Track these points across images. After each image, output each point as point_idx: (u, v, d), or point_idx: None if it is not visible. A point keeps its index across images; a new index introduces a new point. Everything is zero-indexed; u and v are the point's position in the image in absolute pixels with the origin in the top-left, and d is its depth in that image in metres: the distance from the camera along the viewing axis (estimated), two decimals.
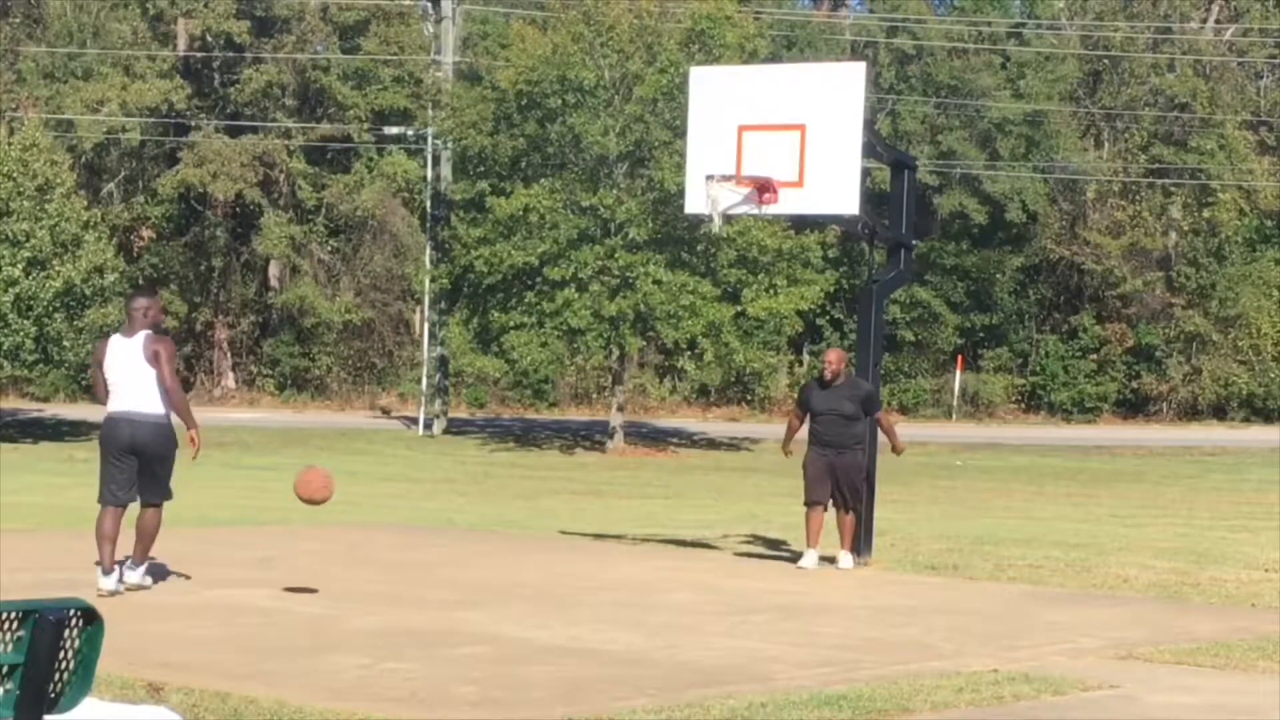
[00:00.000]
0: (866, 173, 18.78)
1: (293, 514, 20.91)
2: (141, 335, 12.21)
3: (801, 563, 15.13)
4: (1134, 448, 44.07)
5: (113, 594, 11.79)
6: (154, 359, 12.11)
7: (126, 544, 12.56)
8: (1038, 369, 55.81)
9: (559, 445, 42.24)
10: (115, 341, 12.31)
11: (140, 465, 12.18)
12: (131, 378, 12.07)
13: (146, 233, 52.68)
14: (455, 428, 45.52)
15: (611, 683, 9.10)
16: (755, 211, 15.46)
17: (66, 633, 4.97)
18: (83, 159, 48.49)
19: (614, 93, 39.72)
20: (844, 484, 15.11)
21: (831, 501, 15.18)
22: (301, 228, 52.38)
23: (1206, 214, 54.97)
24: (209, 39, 51.74)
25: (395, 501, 24.04)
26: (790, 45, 54.58)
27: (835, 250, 47.96)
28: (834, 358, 15.48)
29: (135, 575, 12.29)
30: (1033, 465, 37.25)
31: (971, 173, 53.76)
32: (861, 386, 15.34)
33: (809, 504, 15.27)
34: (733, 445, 43.40)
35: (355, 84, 51.92)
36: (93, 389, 12.56)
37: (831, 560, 15.16)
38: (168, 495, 12.55)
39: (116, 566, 11.98)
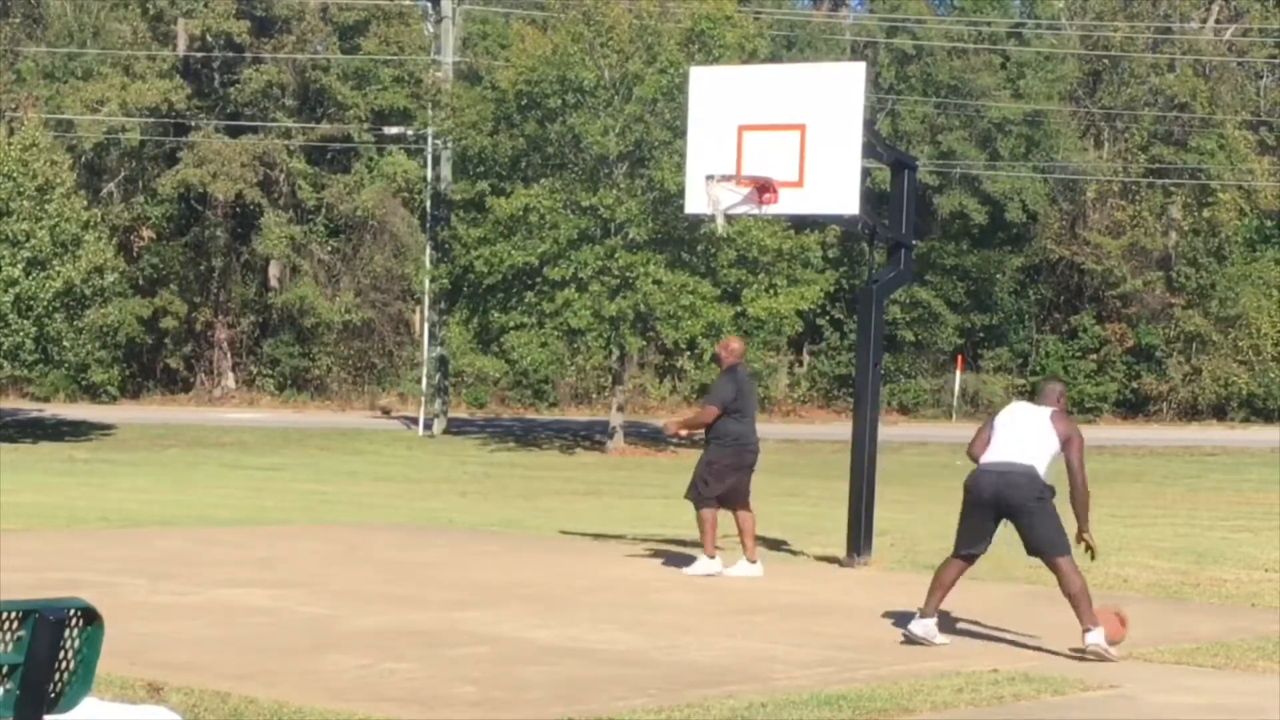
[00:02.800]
0: (866, 173, 18.78)
1: (293, 514, 20.93)
2: None
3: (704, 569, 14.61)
4: (1134, 448, 44.06)
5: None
6: None
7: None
8: (1038, 369, 55.78)
9: (559, 445, 42.24)
10: None
11: None
12: None
13: (146, 233, 52.67)
14: (455, 428, 45.52)
15: (611, 683, 9.10)
16: (755, 211, 15.45)
17: (66, 633, 4.97)
18: (83, 159, 48.48)
19: (614, 93, 39.72)
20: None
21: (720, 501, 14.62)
22: (301, 228, 52.38)
23: (1206, 214, 54.97)
24: (209, 39, 51.73)
25: (395, 501, 24.03)
26: (790, 45, 54.58)
27: (835, 250, 47.96)
28: (737, 347, 15.02)
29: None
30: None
31: (971, 173, 53.76)
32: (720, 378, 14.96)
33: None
34: None
35: (355, 84, 51.92)
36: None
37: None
38: None
39: None
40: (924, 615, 10.83)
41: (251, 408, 51.14)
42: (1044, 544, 10.70)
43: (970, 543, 10.86)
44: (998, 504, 10.68)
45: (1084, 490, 10.73)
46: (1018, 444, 10.73)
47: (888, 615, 12.06)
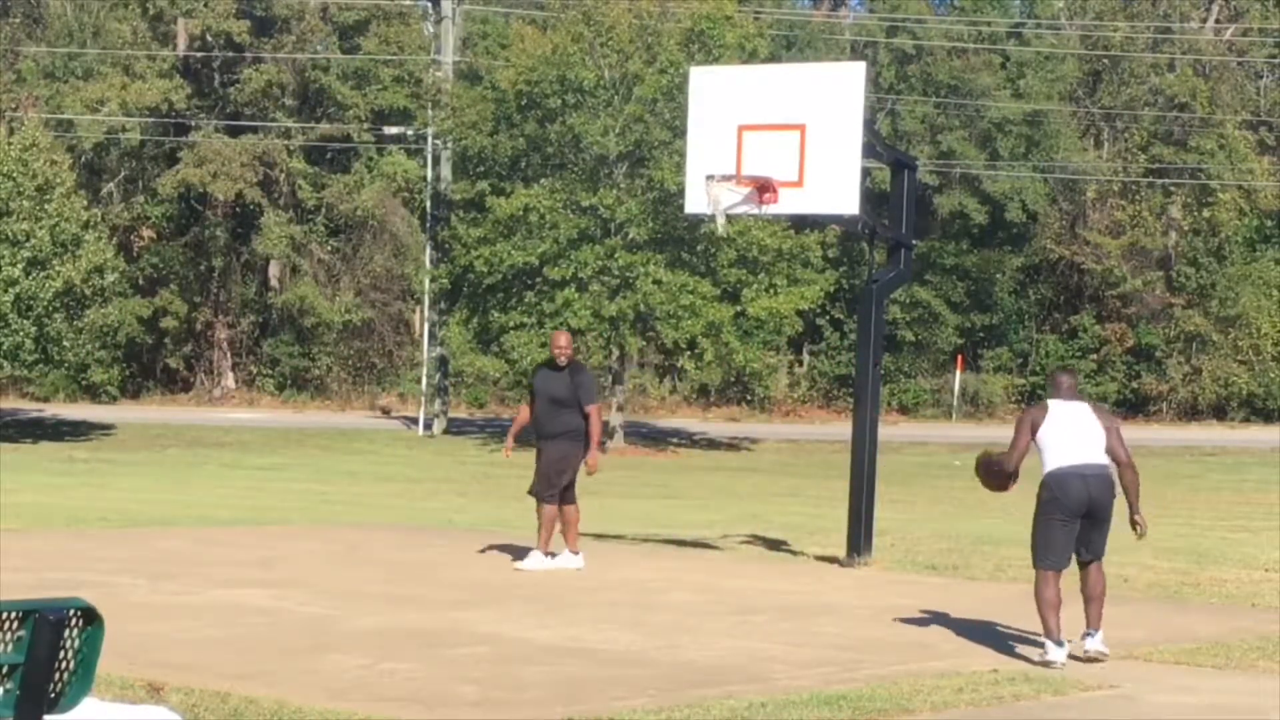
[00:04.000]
0: (866, 173, 18.79)
1: (293, 514, 20.93)
2: None
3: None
4: (1134, 448, 43.95)
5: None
6: None
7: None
8: (1038, 369, 55.77)
9: None
10: None
11: None
12: None
13: (146, 233, 52.67)
14: (455, 428, 45.51)
15: (611, 683, 9.10)
16: (755, 211, 15.46)
17: (66, 633, 4.97)
18: (83, 159, 48.47)
19: (614, 93, 39.72)
20: (541, 471, 14.45)
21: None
22: (301, 228, 52.37)
23: (1206, 214, 54.97)
24: (209, 39, 51.73)
25: (395, 501, 24.03)
26: (790, 45, 54.58)
27: (835, 250, 47.94)
28: (563, 340, 14.90)
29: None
30: (1033, 466, 37.19)
31: (971, 173, 53.76)
32: (582, 372, 14.94)
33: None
34: (733, 445, 43.40)
35: (355, 84, 51.92)
36: None
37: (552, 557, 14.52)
38: None
39: None
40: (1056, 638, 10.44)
41: (251, 408, 51.14)
42: (1104, 544, 10.71)
43: (1056, 550, 10.59)
44: (1091, 507, 10.54)
45: (1137, 473, 10.84)
46: (1092, 444, 10.62)
47: (888, 615, 12.06)
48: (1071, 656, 10.37)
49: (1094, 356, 55.36)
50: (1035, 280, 56.89)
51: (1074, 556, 10.62)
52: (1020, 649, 10.79)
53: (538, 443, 14.64)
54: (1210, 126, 55.20)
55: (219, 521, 19.16)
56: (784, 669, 9.69)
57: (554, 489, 14.40)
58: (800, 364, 56.08)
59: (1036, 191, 54.17)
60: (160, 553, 15.08)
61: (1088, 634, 10.52)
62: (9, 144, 37.77)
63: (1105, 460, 10.60)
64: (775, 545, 17.31)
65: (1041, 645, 10.41)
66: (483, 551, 15.90)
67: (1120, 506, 10.65)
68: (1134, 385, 55.53)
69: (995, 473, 10.95)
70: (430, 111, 46.48)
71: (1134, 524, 10.76)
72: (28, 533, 16.53)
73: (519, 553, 16.03)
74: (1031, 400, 55.32)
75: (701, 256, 39.10)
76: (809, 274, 41.03)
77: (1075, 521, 10.51)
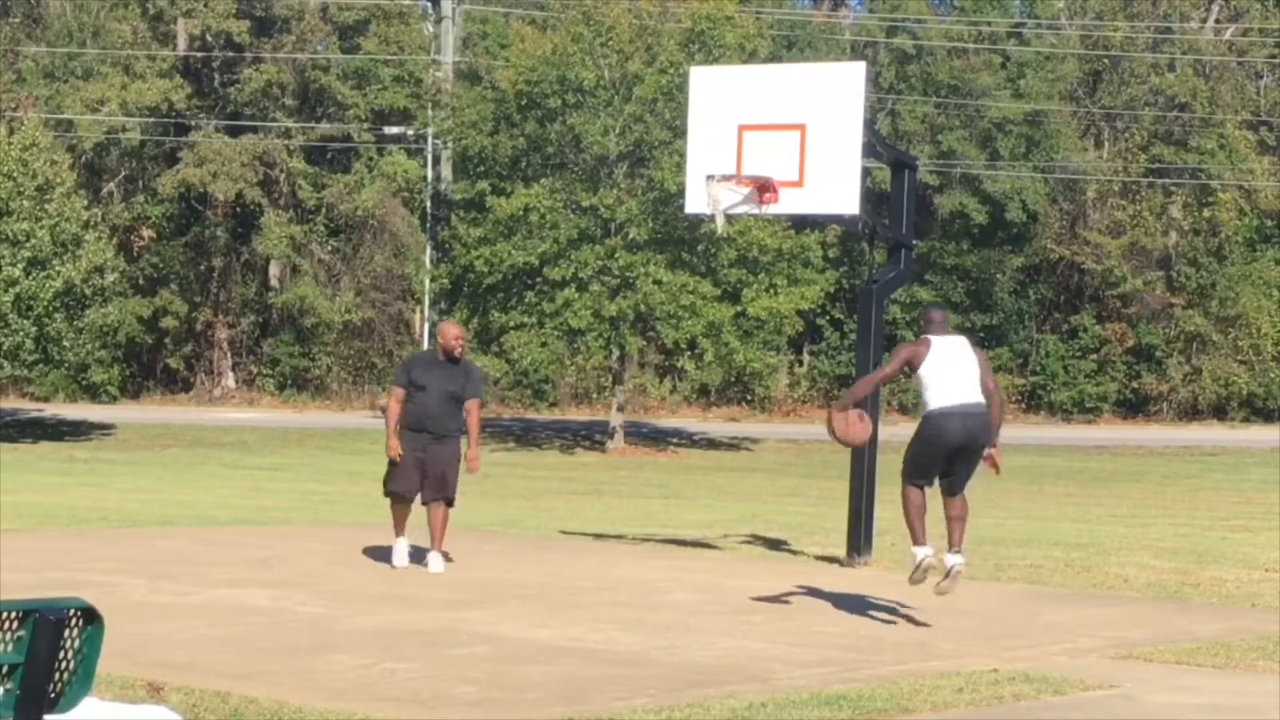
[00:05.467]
0: (866, 173, 18.79)
1: (293, 514, 20.93)
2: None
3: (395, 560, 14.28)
4: (1134, 448, 44.05)
5: None
6: None
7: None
8: (1038, 369, 55.79)
9: (559, 445, 42.24)
10: None
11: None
12: None
13: (146, 233, 52.67)
14: None
15: (611, 683, 9.10)
16: (755, 211, 15.45)
17: (66, 633, 4.97)
18: (83, 159, 48.47)
19: (614, 93, 39.72)
20: (433, 471, 14.10)
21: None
22: (301, 228, 52.37)
23: (1206, 214, 54.96)
24: (209, 39, 51.74)
25: None
26: (790, 45, 54.56)
27: (835, 250, 47.95)
28: (458, 331, 14.52)
29: None
30: (1033, 465, 37.23)
31: (971, 173, 53.75)
32: (474, 366, 14.70)
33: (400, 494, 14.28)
34: (733, 445, 43.40)
35: (355, 84, 51.92)
36: None
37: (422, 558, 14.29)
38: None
39: None
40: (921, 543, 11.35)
41: (251, 408, 51.14)
42: (967, 479, 11.45)
43: (926, 475, 11.39)
44: (966, 445, 11.20)
45: (1002, 406, 11.66)
46: (971, 381, 11.22)
47: (888, 615, 12.06)
48: (944, 579, 11.27)
49: (1094, 356, 55.35)
50: (1035, 280, 56.89)
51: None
52: (1021, 649, 10.79)
53: (420, 439, 14.00)
54: (1210, 126, 55.20)
55: (219, 521, 19.16)
56: (784, 669, 9.69)
57: (450, 491, 14.20)
58: (800, 364, 56.08)
59: (1036, 191, 54.16)
60: (160, 553, 15.09)
61: (952, 551, 11.25)
62: (9, 144, 37.78)
63: (982, 399, 11.23)
64: (775, 545, 17.31)
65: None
66: (483, 551, 15.90)
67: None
68: (1134, 385, 55.52)
69: (844, 411, 11.52)
70: (430, 111, 46.52)
71: (987, 457, 11.40)
72: (28, 533, 16.53)
73: (519, 553, 16.03)
74: (1031, 400, 55.35)
75: (702, 256, 39.11)
76: (809, 274, 41.04)
77: (947, 454, 11.24)
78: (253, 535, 17.33)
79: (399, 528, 14.36)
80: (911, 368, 11.24)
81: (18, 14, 51.87)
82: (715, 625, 11.37)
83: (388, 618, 11.36)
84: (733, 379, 49.44)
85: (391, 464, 14.12)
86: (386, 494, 14.33)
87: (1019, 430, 49.62)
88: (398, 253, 52.31)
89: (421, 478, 14.10)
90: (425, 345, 46.95)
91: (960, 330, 55.85)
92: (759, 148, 15.01)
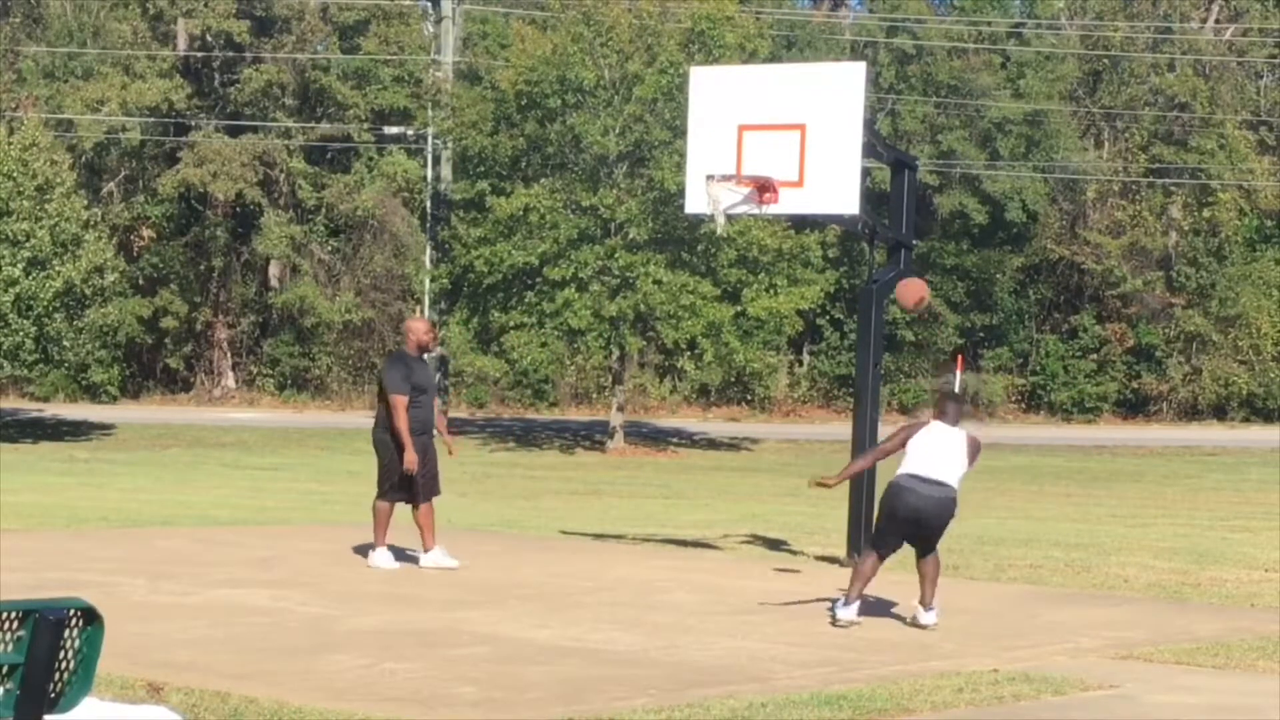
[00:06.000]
0: (866, 173, 18.79)
1: (293, 514, 20.93)
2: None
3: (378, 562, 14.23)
4: (1134, 448, 44.05)
5: None
6: None
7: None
8: (1038, 369, 55.81)
9: (559, 445, 42.24)
10: None
11: None
12: None
13: (146, 233, 52.66)
14: (455, 428, 45.44)
15: (611, 683, 9.10)
16: (755, 211, 15.45)
17: (66, 633, 4.97)
18: (83, 159, 48.46)
19: (614, 93, 39.72)
20: (430, 470, 14.07)
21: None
22: (301, 228, 52.37)
23: (1206, 214, 54.97)
24: (209, 39, 51.74)
25: None
26: (790, 45, 54.57)
27: (835, 250, 47.95)
28: (428, 325, 14.49)
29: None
30: (1033, 465, 37.24)
31: (971, 173, 53.76)
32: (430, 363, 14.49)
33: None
34: (733, 445, 43.40)
35: (355, 84, 51.92)
36: None
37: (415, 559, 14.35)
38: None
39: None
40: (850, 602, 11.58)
41: (251, 408, 51.14)
42: (933, 545, 11.69)
43: (885, 543, 11.74)
44: (920, 521, 11.50)
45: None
46: (948, 464, 11.51)
47: (888, 615, 12.06)
48: (912, 625, 11.48)
49: (1094, 356, 55.36)
50: (1035, 280, 56.90)
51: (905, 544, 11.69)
52: (1021, 649, 10.79)
53: (421, 442, 13.91)
54: (1210, 126, 55.20)
55: (219, 521, 19.16)
56: (784, 669, 9.69)
57: (440, 487, 14.27)
58: (800, 364, 56.09)
59: (1036, 191, 54.17)
60: (160, 553, 15.09)
61: (925, 609, 11.50)
62: (9, 144, 37.78)
63: (951, 483, 11.46)
64: (775, 545, 17.31)
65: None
66: (483, 551, 15.90)
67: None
68: (1134, 385, 55.53)
69: (845, 473, 12.56)
70: (430, 111, 46.48)
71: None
72: (28, 533, 16.53)
73: (519, 553, 16.03)
74: (1031, 400, 55.35)
75: (701, 256, 39.10)
76: (809, 274, 41.03)
77: (905, 526, 11.51)
78: (253, 535, 17.33)
79: (386, 533, 14.15)
80: (903, 443, 11.62)
81: (18, 14, 51.86)
82: (715, 625, 11.36)
83: (388, 618, 11.36)
84: (733, 379, 49.44)
85: (402, 472, 13.91)
86: (384, 498, 14.14)
87: (1019, 430, 49.65)
88: (398, 253, 52.31)
89: (418, 480, 14.05)
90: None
91: (960, 330, 55.95)
92: (759, 148, 15.00)
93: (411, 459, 13.73)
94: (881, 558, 11.63)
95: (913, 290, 14.59)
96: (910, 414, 53.39)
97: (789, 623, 11.64)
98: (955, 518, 11.59)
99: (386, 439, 13.92)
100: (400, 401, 13.74)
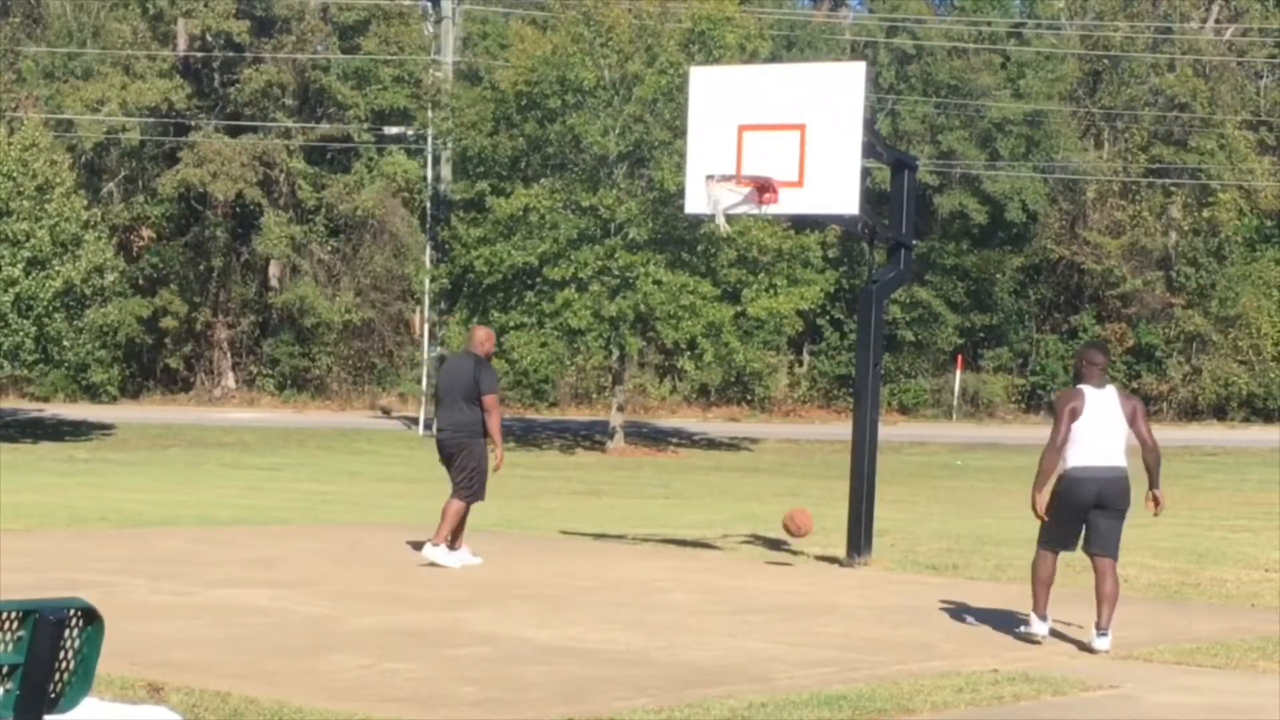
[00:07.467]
0: (866, 173, 18.78)
1: (293, 514, 20.93)
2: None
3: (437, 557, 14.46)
4: (1134, 448, 44.02)
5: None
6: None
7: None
8: (1038, 369, 55.81)
9: (559, 445, 42.24)
10: None
11: None
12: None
13: (146, 233, 52.65)
14: None
15: (611, 683, 9.10)
16: (755, 211, 15.45)
17: (66, 633, 4.97)
18: (83, 159, 48.46)
19: (614, 93, 39.72)
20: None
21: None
22: (301, 228, 52.37)
23: (1206, 214, 54.97)
24: (209, 39, 51.73)
25: (395, 501, 24.03)
26: (790, 45, 54.57)
27: (835, 250, 47.96)
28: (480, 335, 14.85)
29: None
30: (1033, 465, 37.17)
31: (971, 173, 53.76)
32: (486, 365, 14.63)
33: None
34: (733, 445, 43.40)
35: (355, 84, 51.92)
36: None
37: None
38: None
39: None
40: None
41: (251, 408, 51.13)
42: (1115, 539, 11.19)
43: (1059, 540, 11.18)
44: (1101, 501, 11.01)
45: (1159, 454, 11.32)
46: (1114, 441, 11.02)
47: (888, 615, 12.06)
48: (1081, 646, 10.83)
49: None
50: (1035, 280, 56.90)
51: (1082, 544, 11.14)
52: (1021, 649, 10.79)
53: (481, 442, 14.48)
54: (1210, 126, 55.20)
55: (219, 521, 19.15)
56: (784, 669, 9.69)
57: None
58: (800, 364, 56.08)
59: (1036, 191, 54.17)
60: (160, 553, 15.09)
61: (1100, 633, 10.86)
62: (9, 144, 37.77)
63: (1122, 461, 10.99)
64: (775, 545, 17.31)
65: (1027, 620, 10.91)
66: (483, 552, 15.90)
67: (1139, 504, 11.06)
68: (1134, 385, 55.48)
69: (1040, 491, 11.14)
70: (430, 111, 46.48)
71: (1153, 499, 11.22)
72: (28, 533, 16.53)
73: (520, 553, 16.03)
74: (1031, 400, 55.34)
75: (701, 256, 39.11)
76: (809, 274, 41.04)
77: (1084, 513, 10.99)
78: (253, 535, 17.33)
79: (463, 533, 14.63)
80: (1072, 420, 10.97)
81: (18, 14, 51.86)
82: (715, 625, 11.36)
83: (388, 618, 11.36)
84: (733, 379, 49.45)
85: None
86: (474, 499, 14.64)
87: (1019, 430, 49.64)
88: (398, 253, 52.31)
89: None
90: (425, 346, 46.90)
91: (960, 330, 55.99)
92: (759, 148, 15.01)
93: (503, 456, 14.55)
94: (1055, 555, 11.14)
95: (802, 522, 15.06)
96: (910, 414, 53.41)
97: (789, 623, 11.65)
98: (1131, 504, 11.08)
99: (480, 441, 14.38)
100: (496, 403, 14.42)
